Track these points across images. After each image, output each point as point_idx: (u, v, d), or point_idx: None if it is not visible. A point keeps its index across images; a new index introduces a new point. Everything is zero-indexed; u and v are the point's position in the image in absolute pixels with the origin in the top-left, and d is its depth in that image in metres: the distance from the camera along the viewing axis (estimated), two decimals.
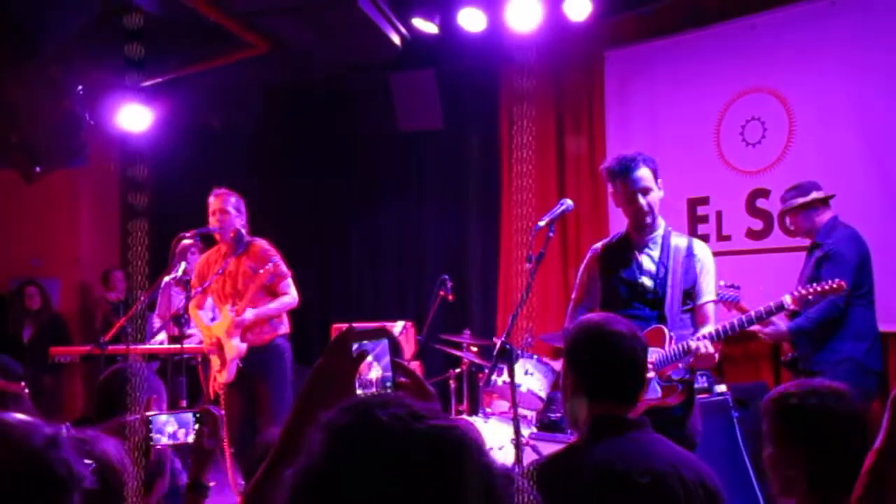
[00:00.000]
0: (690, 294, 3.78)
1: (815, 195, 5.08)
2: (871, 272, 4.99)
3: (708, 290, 3.80)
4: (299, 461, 1.10)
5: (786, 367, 5.23)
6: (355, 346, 1.61)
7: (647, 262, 3.84)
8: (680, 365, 3.61)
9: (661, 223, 3.91)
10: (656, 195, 3.84)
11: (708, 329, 3.68)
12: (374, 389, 1.65)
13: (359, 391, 1.62)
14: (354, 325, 1.74)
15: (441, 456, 1.07)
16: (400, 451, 1.06)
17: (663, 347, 3.61)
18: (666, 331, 3.65)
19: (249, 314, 5.38)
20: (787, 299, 3.73)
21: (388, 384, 1.67)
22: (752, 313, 3.72)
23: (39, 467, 1.54)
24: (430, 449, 1.07)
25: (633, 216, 3.84)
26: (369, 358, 1.63)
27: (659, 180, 3.86)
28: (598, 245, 4.05)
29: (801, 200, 5.10)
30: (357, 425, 1.09)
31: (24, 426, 1.58)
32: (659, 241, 3.86)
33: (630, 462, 2.30)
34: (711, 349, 3.55)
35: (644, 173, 3.79)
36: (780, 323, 5.01)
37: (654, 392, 3.58)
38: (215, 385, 5.57)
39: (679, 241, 3.86)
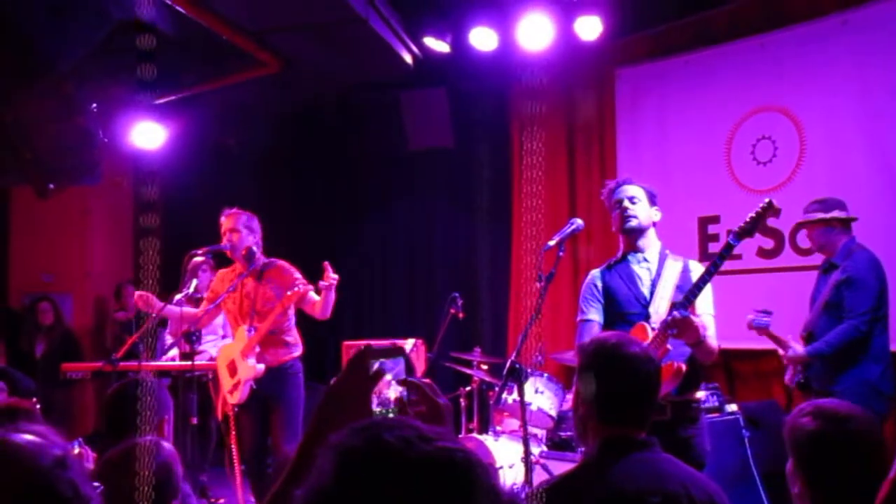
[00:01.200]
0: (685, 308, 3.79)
1: (836, 213, 5.04)
2: (888, 296, 4.96)
3: (704, 304, 3.82)
4: (308, 482, 1.12)
5: (798, 389, 5.20)
6: (373, 365, 1.62)
7: (645, 276, 3.91)
8: (669, 347, 3.60)
9: (658, 244, 4.00)
10: (645, 208, 3.95)
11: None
12: (392, 407, 1.65)
13: (376, 409, 1.62)
14: (372, 343, 1.75)
15: (449, 477, 1.08)
16: (408, 473, 1.07)
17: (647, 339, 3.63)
18: (646, 324, 3.70)
19: (319, 305, 5.33)
20: (732, 239, 3.70)
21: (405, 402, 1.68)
22: (709, 265, 3.67)
23: (46, 488, 1.54)
24: (438, 470, 1.08)
25: (619, 223, 3.96)
26: (388, 377, 1.64)
27: (655, 206, 3.98)
28: (597, 269, 4.12)
29: (820, 216, 5.07)
30: (366, 447, 1.10)
31: (32, 446, 1.59)
32: (655, 257, 3.95)
33: (641, 483, 2.30)
34: (685, 313, 3.56)
35: (634, 189, 3.97)
36: (798, 346, 4.99)
37: None
38: (226, 407, 5.54)
39: (675, 260, 3.94)
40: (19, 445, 1.58)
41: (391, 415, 1.66)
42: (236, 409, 5.39)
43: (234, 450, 5.44)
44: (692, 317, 3.59)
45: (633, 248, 3.96)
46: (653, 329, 3.66)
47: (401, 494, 1.06)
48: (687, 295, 3.65)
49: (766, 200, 3.73)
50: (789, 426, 2.31)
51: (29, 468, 1.54)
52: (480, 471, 1.11)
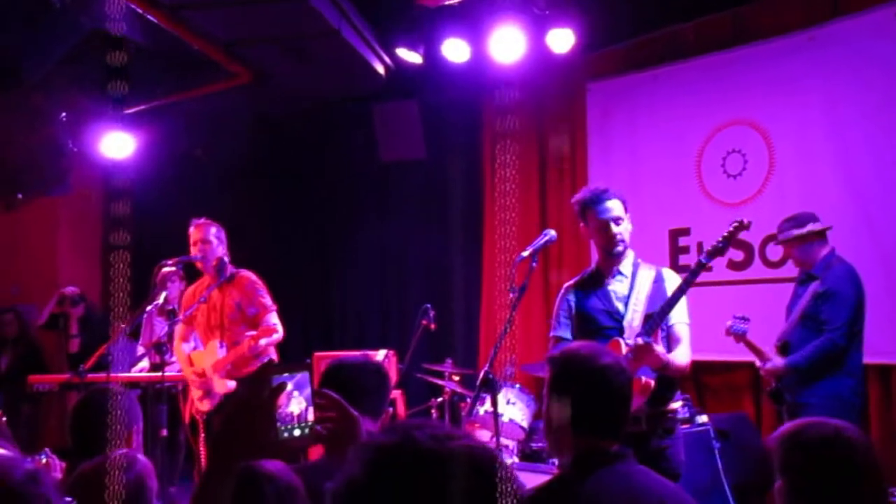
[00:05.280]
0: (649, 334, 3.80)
1: (811, 227, 5.05)
2: (865, 309, 5.00)
3: (678, 313, 3.83)
4: (339, 478, 1.18)
5: (769, 399, 5.22)
6: (275, 379, 1.62)
7: (620, 288, 3.90)
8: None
9: (631, 254, 3.98)
10: (626, 226, 3.92)
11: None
12: (294, 423, 1.66)
13: (280, 426, 1.63)
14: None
15: (476, 470, 1.16)
16: (439, 466, 1.15)
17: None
18: (621, 340, 3.70)
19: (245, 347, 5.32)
20: (703, 258, 3.78)
21: (310, 418, 1.69)
22: (681, 282, 3.73)
23: (19, 503, 1.51)
24: (467, 463, 1.16)
25: (606, 245, 3.92)
26: (289, 387, 1.65)
27: (628, 214, 3.95)
28: (571, 281, 4.11)
29: (797, 232, 5.08)
30: (398, 443, 1.17)
31: (3, 461, 1.56)
32: (629, 269, 3.94)
33: (615, 496, 2.29)
34: (648, 339, 3.59)
35: (615, 204, 3.90)
36: (777, 359, 5.01)
37: None
38: (193, 409, 5.53)
39: (648, 269, 3.95)
40: None
41: (297, 431, 1.67)
42: (205, 415, 5.40)
43: (200, 453, 5.45)
44: (654, 345, 3.60)
45: (610, 263, 3.97)
46: (627, 345, 3.67)
47: (432, 486, 1.14)
48: (654, 318, 3.67)
49: (739, 220, 3.80)
50: (784, 445, 2.23)
51: (0, 483, 1.51)
52: (503, 466, 1.19)
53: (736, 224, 3.82)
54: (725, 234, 3.81)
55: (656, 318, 3.67)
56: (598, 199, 3.90)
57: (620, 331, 3.79)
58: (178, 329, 5.67)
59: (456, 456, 1.16)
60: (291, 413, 1.67)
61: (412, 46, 6.81)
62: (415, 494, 1.13)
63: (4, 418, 3.82)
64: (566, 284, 4.12)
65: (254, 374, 5.17)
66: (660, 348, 3.63)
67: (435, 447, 1.16)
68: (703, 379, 6.69)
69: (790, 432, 2.23)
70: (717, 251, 3.80)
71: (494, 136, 7.86)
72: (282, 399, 1.62)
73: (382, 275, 8.94)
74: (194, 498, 1.55)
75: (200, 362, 5.45)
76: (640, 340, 3.59)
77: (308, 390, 1.71)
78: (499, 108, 7.56)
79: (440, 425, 1.21)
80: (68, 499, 1.68)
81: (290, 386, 1.65)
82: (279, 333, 5.45)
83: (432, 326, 6.23)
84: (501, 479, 1.17)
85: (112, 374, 5.29)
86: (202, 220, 5.59)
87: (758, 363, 5.15)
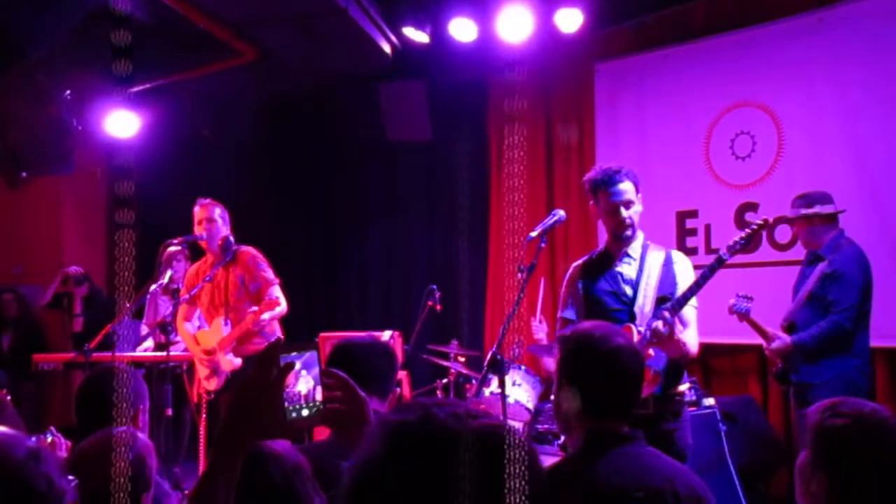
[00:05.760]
0: (669, 300, 3.75)
1: (818, 209, 5.00)
2: (872, 292, 4.96)
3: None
4: (356, 456, 1.16)
5: (775, 380, 5.20)
6: (283, 359, 1.60)
7: (628, 271, 3.87)
8: (651, 352, 3.58)
9: (640, 235, 3.94)
10: (637, 209, 3.88)
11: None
12: (301, 403, 1.64)
13: (287, 406, 1.61)
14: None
15: (496, 449, 1.13)
16: (460, 445, 1.12)
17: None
18: (633, 326, 3.67)
19: (247, 321, 5.35)
20: (725, 254, 3.72)
21: (318, 398, 1.67)
22: (698, 277, 3.68)
23: (20, 482, 1.49)
24: (487, 443, 1.13)
25: (615, 228, 3.88)
26: (297, 366, 1.63)
27: (639, 195, 3.90)
28: (579, 261, 4.09)
29: (803, 212, 5.05)
30: (418, 422, 1.15)
31: (4, 439, 1.54)
32: (638, 251, 3.90)
33: (625, 477, 2.27)
34: (666, 328, 3.53)
35: (627, 186, 3.84)
36: (783, 336, 4.97)
37: None
38: (200, 389, 5.54)
39: (657, 251, 3.91)
40: None
41: (305, 411, 1.65)
42: (211, 395, 5.40)
43: (202, 433, 5.47)
44: (677, 333, 3.57)
45: (618, 245, 3.93)
46: (639, 332, 3.63)
47: (451, 465, 1.11)
48: (673, 306, 3.63)
49: (762, 219, 3.77)
50: (819, 423, 2.16)
51: (2, 462, 1.49)
52: (526, 446, 1.17)
53: (759, 223, 3.78)
54: (748, 231, 3.76)
55: (676, 305, 3.62)
56: (610, 180, 3.83)
57: (629, 314, 3.76)
58: (181, 308, 5.66)
59: (476, 435, 1.14)
60: (299, 392, 1.65)
61: (419, 25, 6.76)
62: (434, 473, 1.11)
63: (9, 397, 3.82)
64: (574, 264, 4.09)
65: (262, 353, 5.18)
66: (681, 336, 3.60)
67: (455, 425, 1.14)
68: (709, 362, 6.66)
69: (824, 407, 2.20)
70: (738, 248, 3.76)
71: (501, 116, 7.81)
72: (290, 378, 1.60)
73: (388, 255, 8.91)
74: (202, 478, 1.53)
75: (206, 341, 5.45)
76: (660, 327, 3.54)
77: (316, 370, 1.69)
78: (506, 89, 7.51)
79: (460, 403, 1.19)
80: (70, 478, 1.66)
81: (298, 365, 1.63)
82: (282, 306, 5.47)
83: (438, 307, 6.22)
84: (522, 459, 1.14)
85: (117, 354, 5.28)
86: (207, 200, 5.60)
87: (763, 344, 5.11)
